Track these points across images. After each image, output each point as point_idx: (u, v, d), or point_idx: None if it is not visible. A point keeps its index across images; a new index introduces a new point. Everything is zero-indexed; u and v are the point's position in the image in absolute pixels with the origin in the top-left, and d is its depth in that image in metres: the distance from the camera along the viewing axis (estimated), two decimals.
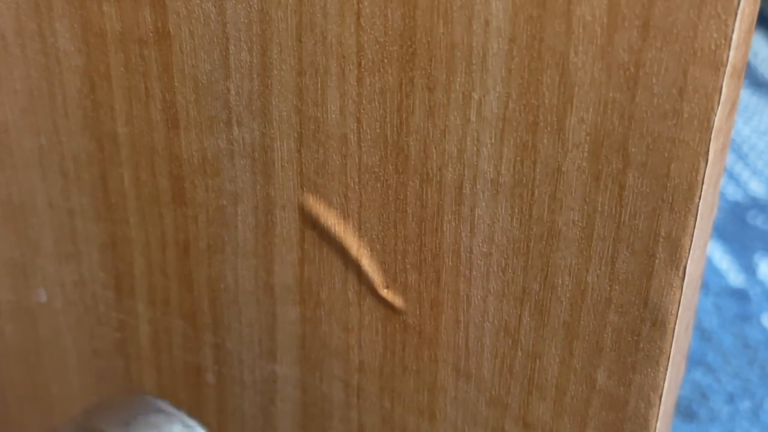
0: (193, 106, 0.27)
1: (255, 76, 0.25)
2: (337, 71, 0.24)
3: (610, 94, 0.21)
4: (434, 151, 0.24)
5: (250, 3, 0.24)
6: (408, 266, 0.26)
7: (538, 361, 0.25)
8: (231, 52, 0.25)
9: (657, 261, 0.23)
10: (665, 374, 0.24)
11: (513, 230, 0.24)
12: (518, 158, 0.23)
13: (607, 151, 0.22)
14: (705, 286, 0.46)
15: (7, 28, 0.28)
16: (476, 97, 0.23)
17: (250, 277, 0.29)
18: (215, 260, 0.29)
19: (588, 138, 0.22)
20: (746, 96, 0.58)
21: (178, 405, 0.33)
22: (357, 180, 0.25)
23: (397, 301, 0.27)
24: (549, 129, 0.22)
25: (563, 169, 0.23)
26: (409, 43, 0.23)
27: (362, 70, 0.24)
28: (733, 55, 0.20)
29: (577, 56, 0.21)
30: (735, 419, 0.40)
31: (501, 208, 0.24)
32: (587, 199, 0.23)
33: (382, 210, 0.26)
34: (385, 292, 0.27)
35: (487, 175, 0.24)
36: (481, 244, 0.25)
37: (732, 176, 0.53)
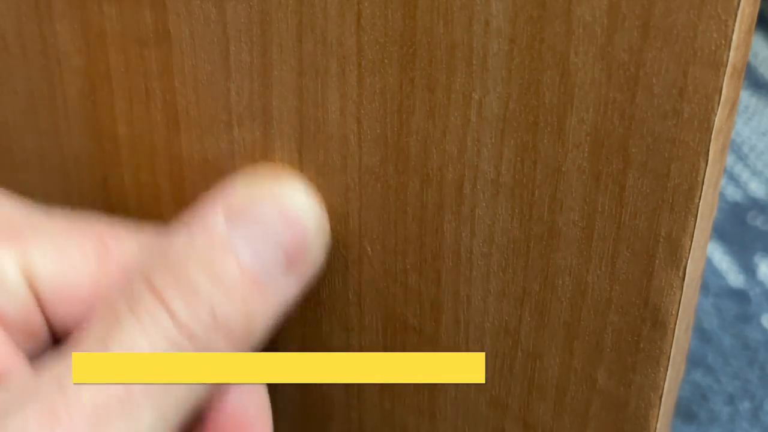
0: (194, 106, 0.27)
1: (255, 76, 0.25)
2: (338, 72, 0.24)
3: (611, 95, 0.21)
4: (434, 151, 0.24)
5: (251, 3, 0.24)
6: (408, 266, 0.26)
7: (538, 361, 0.25)
8: (231, 52, 0.25)
9: (657, 261, 0.23)
10: (665, 375, 0.24)
11: (513, 230, 0.24)
12: (518, 158, 0.23)
13: (608, 151, 0.22)
14: (705, 287, 0.46)
15: (7, 29, 0.28)
16: (476, 97, 0.23)
17: None
18: None
19: (588, 138, 0.22)
20: (746, 97, 0.58)
21: None
22: (357, 180, 0.25)
23: (397, 301, 0.27)
24: (549, 129, 0.22)
25: (563, 169, 0.23)
26: (409, 43, 0.23)
27: (362, 70, 0.24)
28: (733, 56, 0.20)
29: (577, 57, 0.21)
30: (735, 420, 0.40)
31: (501, 209, 0.24)
32: (587, 200, 0.23)
33: (383, 210, 0.26)
34: (384, 293, 0.27)
35: (487, 175, 0.24)
36: (481, 244, 0.25)
37: (732, 177, 0.53)
